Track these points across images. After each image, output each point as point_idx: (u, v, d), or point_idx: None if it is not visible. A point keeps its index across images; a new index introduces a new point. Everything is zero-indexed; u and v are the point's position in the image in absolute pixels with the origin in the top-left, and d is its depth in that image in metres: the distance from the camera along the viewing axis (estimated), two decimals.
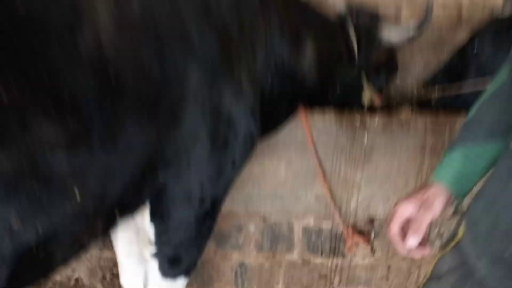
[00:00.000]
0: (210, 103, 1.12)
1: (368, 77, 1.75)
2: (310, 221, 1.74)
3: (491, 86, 0.88)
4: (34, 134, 0.73)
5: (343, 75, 1.68)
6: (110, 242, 1.44)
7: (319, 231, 1.75)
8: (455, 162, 0.86)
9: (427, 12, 1.55)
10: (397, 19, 2.20)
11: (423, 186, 0.88)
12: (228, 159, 1.23)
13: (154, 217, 1.14)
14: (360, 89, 1.76)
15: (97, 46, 0.82)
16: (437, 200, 0.83)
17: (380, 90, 1.84)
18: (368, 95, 1.77)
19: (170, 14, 1.01)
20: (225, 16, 1.17)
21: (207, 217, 1.26)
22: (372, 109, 1.76)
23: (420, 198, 0.84)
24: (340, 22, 1.68)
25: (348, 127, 1.63)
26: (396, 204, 0.88)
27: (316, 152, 1.62)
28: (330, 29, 1.64)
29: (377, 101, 1.78)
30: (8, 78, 0.69)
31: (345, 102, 1.75)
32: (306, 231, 1.75)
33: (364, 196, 1.71)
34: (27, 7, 0.72)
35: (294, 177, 1.66)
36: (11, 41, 0.70)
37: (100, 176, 0.85)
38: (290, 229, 1.74)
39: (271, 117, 1.55)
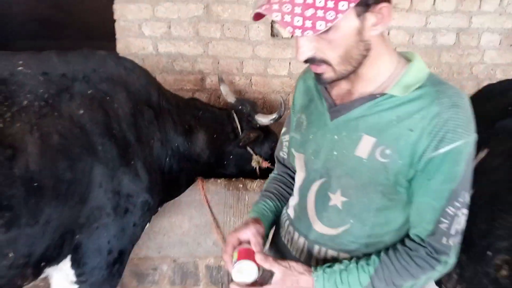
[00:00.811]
0: (112, 187, 1.69)
1: (253, 148, 2.34)
2: (211, 261, 2.30)
3: None
4: None
5: (232, 150, 2.28)
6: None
7: (219, 268, 2.31)
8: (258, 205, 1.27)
9: (282, 106, 2.19)
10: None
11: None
12: (130, 221, 1.80)
13: (73, 264, 1.69)
14: (249, 158, 2.35)
15: (25, 167, 1.41)
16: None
17: (267, 156, 2.42)
18: (255, 161, 2.35)
19: (79, 135, 1.60)
20: (124, 130, 1.76)
21: (116, 263, 1.80)
22: (261, 171, 2.33)
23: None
24: (228, 111, 2.31)
25: (234, 189, 2.22)
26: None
27: (211, 209, 2.21)
28: (219, 118, 2.25)
29: (264, 164, 2.35)
30: None
31: (241, 170, 2.34)
32: (208, 268, 2.30)
33: None
34: None
35: (195, 228, 2.23)
36: None
37: (27, 243, 1.42)
38: (196, 267, 2.30)
39: (174, 185, 2.13)
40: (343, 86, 1.04)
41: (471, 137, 0.93)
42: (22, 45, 5.36)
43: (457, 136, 0.90)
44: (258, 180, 2.24)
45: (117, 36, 2.72)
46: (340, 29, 0.87)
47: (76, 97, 1.65)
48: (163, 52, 2.77)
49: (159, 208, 2.06)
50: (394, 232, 1.05)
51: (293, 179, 1.24)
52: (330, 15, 0.81)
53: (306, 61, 0.95)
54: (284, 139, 1.29)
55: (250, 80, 2.88)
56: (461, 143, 0.90)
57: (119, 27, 2.70)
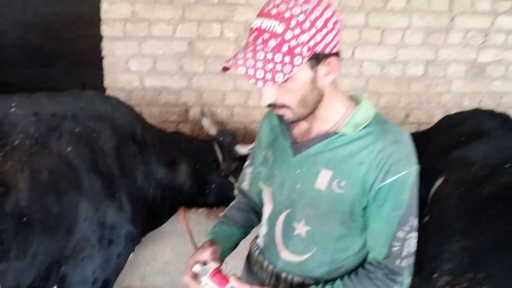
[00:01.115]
0: (97, 220, 1.80)
1: (234, 177, 2.46)
2: None
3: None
4: None
5: (214, 180, 2.40)
6: None
7: None
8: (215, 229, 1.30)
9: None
10: None
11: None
12: (114, 252, 1.89)
13: None
14: (230, 188, 2.47)
15: (16, 203, 1.52)
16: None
17: None
18: (236, 190, 2.47)
19: (67, 170, 1.72)
20: (109, 164, 1.88)
21: None
22: None
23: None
24: (209, 143, 2.44)
25: (215, 218, 2.33)
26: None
27: (192, 238, 2.30)
28: (201, 149, 2.38)
29: None
30: None
31: (222, 199, 2.45)
32: None
33: (231, 267, 2.37)
34: None
35: (178, 257, 2.32)
36: None
37: (15, 275, 1.51)
38: None
39: (157, 215, 2.24)
40: (302, 125, 1.16)
41: (413, 168, 1.06)
42: (13, 74, 5.51)
43: (400, 168, 1.03)
44: None
45: (105, 71, 2.86)
46: (296, 80, 0.99)
47: (65, 135, 1.77)
48: (149, 86, 2.91)
49: (142, 238, 2.17)
50: (353, 256, 1.16)
51: (252, 208, 1.36)
52: (287, 68, 0.94)
53: (269, 106, 1.07)
54: (247, 171, 1.40)
55: (232, 111, 3.03)
56: (404, 174, 1.03)
57: (107, 63, 2.84)
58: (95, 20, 2.95)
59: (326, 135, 1.11)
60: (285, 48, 0.94)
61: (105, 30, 2.82)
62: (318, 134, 1.13)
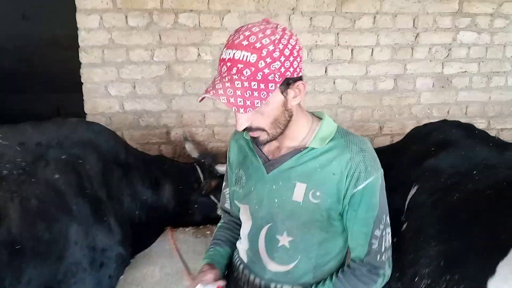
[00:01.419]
0: (87, 243, 1.82)
1: (216, 196, 2.52)
2: None
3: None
4: None
5: (197, 199, 2.46)
6: None
7: None
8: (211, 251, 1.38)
9: None
10: None
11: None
12: (105, 274, 1.92)
13: None
14: (213, 206, 2.53)
15: (7, 231, 1.54)
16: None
17: None
18: (220, 209, 2.53)
19: (55, 198, 1.75)
20: (96, 188, 1.92)
21: None
22: None
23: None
24: (191, 164, 2.50)
25: (202, 236, 2.39)
26: None
27: (181, 257, 2.34)
28: (183, 170, 2.44)
29: None
30: None
31: (206, 217, 2.51)
32: None
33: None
34: None
35: (167, 277, 2.35)
36: None
37: None
38: None
39: (144, 236, 2.28)
40: (273, 143, 1.22)
41: (379, 172, 1.17)
42: None
43: (368, 174, 1.13)
44: None
45: (85, 97, 2.90)
46: (270, 104, 1.07)
47: (51, 163, 1.81)
48: (129, 110, 2.96)
49: (131, 260, 2.19)
50: (334, 258, 1.25)
51: (239, 225, 1.40)
52: (263, 94, 1.02)
53: (244, 130, 1.13)
54: (226, 192, 1.45)
55: (213, 130, 3.11)
56: (373, 179, 1.14)
57: (86, 89, 2.88)
58: (70, 45, 2.99)
59: (296, 151, 1.18)
60: (259, 76, 1.02)
61: (83, 57, 2.87)
62: (288, 150, 1.20)
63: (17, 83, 5.80)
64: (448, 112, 3.39)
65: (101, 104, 2.91)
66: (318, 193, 1.15)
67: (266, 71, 1.02)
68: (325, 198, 1.15)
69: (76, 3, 2.79)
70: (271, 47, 1.02)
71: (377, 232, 1.16)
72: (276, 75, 1.03)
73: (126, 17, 2.85)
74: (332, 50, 3.12)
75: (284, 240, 1.22)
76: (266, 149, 1.25)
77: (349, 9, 3.09)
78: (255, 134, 1.14)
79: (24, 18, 5.59)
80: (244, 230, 1.32)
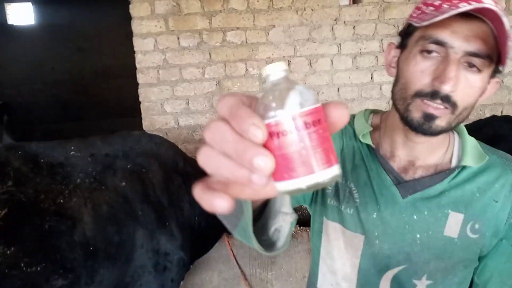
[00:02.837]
0: (152, 247, 1.95)
1: None
2: None
3: None
4: (51, 282, 1.56)
5: None
6: None
7: None
8: None
9: None
10: None
11: None
12: (168, 277, 2.02)
13: None
14: None
15: (83, 234, 1.68)
16: None
17: None
18: None
19: (123, 203, 1.89)
20: (158, 195, 2.05)
21: None
22: None
23: None
24: None
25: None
26: None
27: (237, 262, 2.42)
28: None
29: None
30: (38, 256, 1.54)
31: None
32: None
33: None
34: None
35: (225, 282, 2.43)
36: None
37: None
38: None
39: (204, 242, 2.37)
40: (403, 157, 0.95)
41: None
42: (45, 128, 5.86)
43: None
44: None
45: (143, 115, 3.10)
46: (484, 79, 0.81)
47: (118, 172, 1.96)
48: (183, 125, 3.13)
49: (190, 266, 2.29)
50: None
51: None
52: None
53: (432, 95, 0.79)
54: None
55: None
56: None
57: (144, 107, 3.08)
58: (122, 73, 3.23)
59: (445, 170, 0.92)
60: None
61: (141, 78, 3.07)
62: (429, 168, 0.93)
63: (73, 112, 6.24)
64: (501, 112, 3.29)
65: (158, 120, 3.10)
66: (477, 226, 0.90)
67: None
68: (484, 232, 0.91)
69: (132, 28, 3.02)
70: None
71: None
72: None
73: (178, 38, 3.04)
74: (377, 57, 3.14)
75: (421, 284, 0.95)
76: (395, 164, 0.95)
77: (392, 15, 3.12)
78: (438, 111, 0.80)
79: (79, 51, 6.05)
80: (344, 267, 1.02)
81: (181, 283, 2.16)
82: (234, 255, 2.40)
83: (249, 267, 2.43)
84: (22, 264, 1.56)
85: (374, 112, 1.07)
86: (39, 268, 1.56)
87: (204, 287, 2.41)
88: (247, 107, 0.41)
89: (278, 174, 0.41)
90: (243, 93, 0.46)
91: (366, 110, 1.07)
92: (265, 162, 0.39)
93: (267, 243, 0.63)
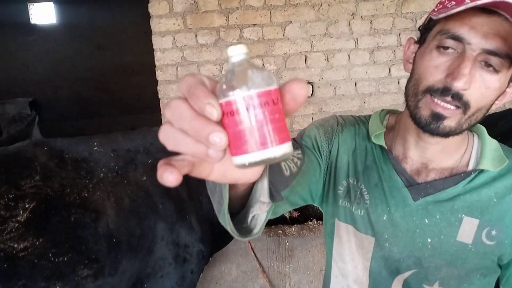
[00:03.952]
0: (172, 239, 2.00)
1: None
2: None
3: None
4: (77, 272, 1.63)
5: None
6: None
7: None
8: None
9: None
10: None
11: None
12: (188, 269, 2.08)
13: None
14: None
15: (106, 226, 1.75)
16: None
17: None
18: (287, 212, 2.63)
19: (145, 197, 1.95)
20: (178, 189, 2.10)
21: None
22: (292, 220, 2.61)
23: None
24: None
25: (274, 235, 2.48)
26: None
27: (256, 255, 2.46)
28: None
29: (294, 214, 2.63)
30: (65, 247, 1.61)
31: (275, 218, 2.62)
32: None
33: (294, 282, 2.50)
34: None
35: (243, 274, 2.48)
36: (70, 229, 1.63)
37: None
38: None
39: (222, 235, 2.42)
40: (416, 159, 0.92)
41: None
42: (66, 125, 6.00)
43: None
44: (295, 225, 2.50)
45: (162, 111, 3.15)
46: (503, 81, 0.77)
47: (140, 167, 2.02)
48: None
49: (210, 258, 2.35)
50: None
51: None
52: None
53: (443, 91, 0.77)
54: (293, 154, 0.85)
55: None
56: None
57: (163, 104, 3.14)
58: (141, 70, 3.29)
59: (460, 173, 0.89)
60: None
61: (160, 75, 3.13)
62: (443, 171, 0.91)
63: (94, 109, 6.37)
64: None
65: None
66: (494, 232, 0.86)
67: None
68: (502, 239, 0.86)
69: (151, 26, 3.07)
70: None
71: None
72: None
73: (196, 35, 3.09)
74: (394, 51, 3.13)
75: None
76: (407, 166, 0.93)
77: (409, 9, 3.10)
78: (447, 111, 0.78)
79: (99, 49, 6.17)
80: (356, 269, 1.00)
81: (200, 275, 2.21)
82: (252, 248, 2.44)
83: (267, 260, 2.47)
84: (50, 255, 1.64)
85: (391, 112, 1.05)
86: (65, 259, 1.64)
87: (223, 280, 2.46)
88: (205, 87, 0.44)
89: (233, 149, 0.45)
90: None
91: (382, 110, 1.05)
92: (219, 138, 0.42)
93: (246, 230, 0.65)
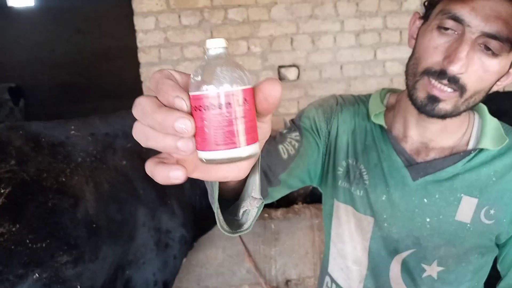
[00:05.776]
0: (153, 225, 1.97)
1: None
2: None
3: None
4: (56, 258, 1.58)
5: None
6: None
7: None
8: None
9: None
10: None
11: None
12: (170, 255, 2.05)
13: None
14: None
15: (85, 211, 1.70)
16: None
17: None
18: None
19: (124, 182, 1.90)
20: None
21: None
22: (277, 204, 2.58)
23: None
24: None
25: (260, 218, 2.46)
26: None
27: (241, 239, 2.44)
28: None
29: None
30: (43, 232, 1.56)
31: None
32: None
33: (280, 265, 2.49)
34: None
35: (229, 258, 2.45)
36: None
37: (90, 276, 1.68)
38: None
39: (205, 220, 2.39)
40: (416, 138, 0.92)
41: None
42: (46, 110, 5.88)
43: None
44: (281, 208, 2.48)
45: (144, 94, 3.09)
46: (503, 65, 0.77)
47: (118, 151, 1.96)
48: None
49: (194, 243, 2.32)
50: (480, 282, 0.98)
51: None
52: None
53: (440, 74, 0.77)
54: (291, 136, 0.93)
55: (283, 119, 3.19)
56: None
57: (146, 87, 3.07)
58: (122, 55, 3.21)
59: (459, 152, 0.88)
60: None
61: (142, 57, 3.06)
62: (443, 151, 0.90)
63: (74, 94, 6.24)
64: None
65: None
66: (492, 212, 0.86)
67: None
68: (501, 218, 0.87)
69: (133, 7, 2.99)
70: None
71: None
72: None
73: (179, 16, 3.01)
74: (380, 34, 3.10)
75: (432, 270, 0.93)
76: (404, 145, 0.93)
77: None
78: (443, 94, 0.79)
79: (79, 33, 6.01)
80: (355, 250, 1.00)
81: (186, 259, 2.19)
82: None
83: (253, 244, 2.45)
84: (27, 241, 1.59)
85: (392, 91, 1.04)
86: (44, 245, 1.58)
87: (209, 264, 2.44)
88: (172, 81, 0.44)
89: (200, 144, 0.44)
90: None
91: (383, 89, 1.04)
92: (184, 124, 0.41)
93: (237, 224, 0.64)
